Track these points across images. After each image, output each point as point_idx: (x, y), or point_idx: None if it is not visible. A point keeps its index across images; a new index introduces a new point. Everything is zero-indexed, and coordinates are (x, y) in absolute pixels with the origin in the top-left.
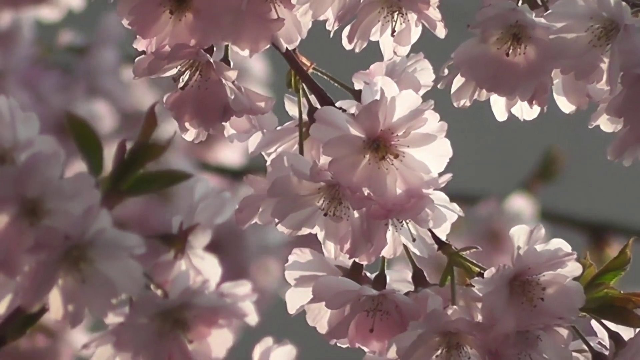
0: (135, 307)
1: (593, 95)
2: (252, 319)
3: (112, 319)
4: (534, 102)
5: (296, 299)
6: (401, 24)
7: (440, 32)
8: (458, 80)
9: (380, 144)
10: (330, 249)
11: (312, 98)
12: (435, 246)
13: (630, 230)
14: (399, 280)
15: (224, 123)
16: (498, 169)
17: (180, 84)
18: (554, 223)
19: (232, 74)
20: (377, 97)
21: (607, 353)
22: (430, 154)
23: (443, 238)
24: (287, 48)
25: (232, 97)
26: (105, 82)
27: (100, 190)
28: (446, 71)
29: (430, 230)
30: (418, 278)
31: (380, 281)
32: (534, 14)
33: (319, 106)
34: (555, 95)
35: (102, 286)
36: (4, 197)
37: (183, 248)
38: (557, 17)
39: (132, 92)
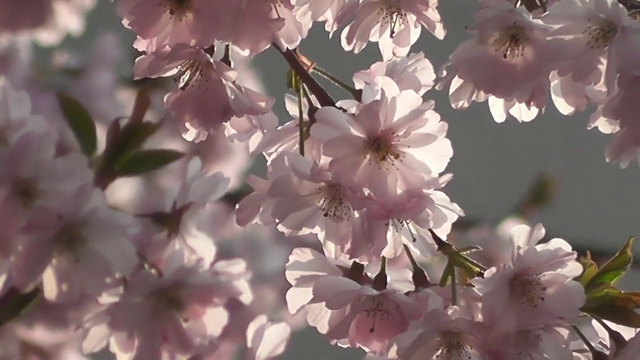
0: (129, 286)
1: (591, 97)
2: (246, 297)
3: (107, 299)
4: (531, 103)
5: (297, 299)
6: (400, 24)
7: (439, 33)
8: (456, 82)
9: (380, 144)
10: (330, 249)
11: (313, 98)
12: (436, 246)
13: None
14: (400, 280)
15: (224, 123)
16: (491, 195)
17: (181, 84)
18: None
19: (233, 74)
20: (378, 97)
21: (607, 353)
22: (431, 154)
23: (443, 238)
24: (287, 48)
25: (233, 97)
26: (100, 104)
27: (93, 170)
28: (444, 72)
29: (430, 230)
30: (418, 278)
31: (380, 281)
32: (531, 16)
33: (319, 106)
34: (553, 97)
35: (96, 265)
36: None
37: (177, 227)
38: (554, 19)
39: (128, 114)
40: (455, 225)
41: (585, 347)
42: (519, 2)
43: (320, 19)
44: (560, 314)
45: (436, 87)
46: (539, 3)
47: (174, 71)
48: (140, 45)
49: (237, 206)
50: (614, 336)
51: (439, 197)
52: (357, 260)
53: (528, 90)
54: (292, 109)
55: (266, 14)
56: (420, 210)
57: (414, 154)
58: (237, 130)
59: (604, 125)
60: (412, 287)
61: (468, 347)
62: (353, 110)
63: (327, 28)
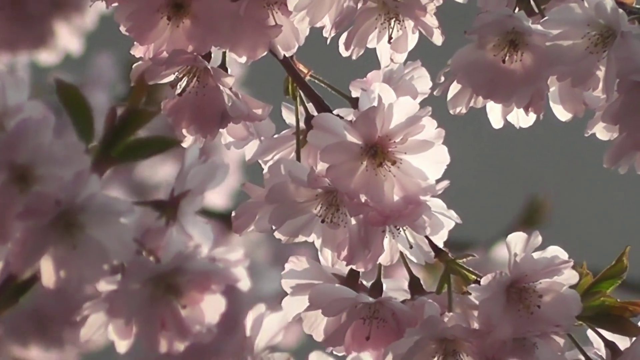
0: (127, 272)
1: (589, 103)
2: (244, 284)
3: (105, 286)
4: (530, 109)
5: (293, 307)
6: (398, 30)
7: (437, 39)
8: (454, 87)
9: (377, 151)
10: (327, 256)
11: (309, 106)
12: (432, 253)
13: None
14: (396, 288)
15: (221, 130)
16: (483, 217)
17: (178, 90)
18: None
19: (230, 81)
20: (375, 103)
21: None
22: (428, 160)
23: (440, 245)
24: (284, 55)
25: (230, 103)
26: (96, 125)
27: (90, 156)
28: (442, 78)
29: (427, 237)
30: (414, 286)
31: (376, 289)
32: (530, 21)
33: (316, 114)
34: (551, 104)
35: (93, 252)
36: None
37: (175, 214)
38: (553, 24)
39: None
40: (449, 248)
41: (581, 356)
42: (517, 8)
43: (318, 25)
44: (557, 321)
45: (434, 93)
46: (537, 9)
47: (171, 77)
48: (138, 51)
49: (233, 213)
50: (609, 345)
51: (436, 204)
52: (354, 267)
53: (527, 95)
54: (288, 117)
55: (263, 21)
56: (417, 217)
57: (410, 160)
58: (233, 138)
59: (601, 132)
60: (408, 296)
61: (464, 354)
62: (350, 117)
63: (325, 34)
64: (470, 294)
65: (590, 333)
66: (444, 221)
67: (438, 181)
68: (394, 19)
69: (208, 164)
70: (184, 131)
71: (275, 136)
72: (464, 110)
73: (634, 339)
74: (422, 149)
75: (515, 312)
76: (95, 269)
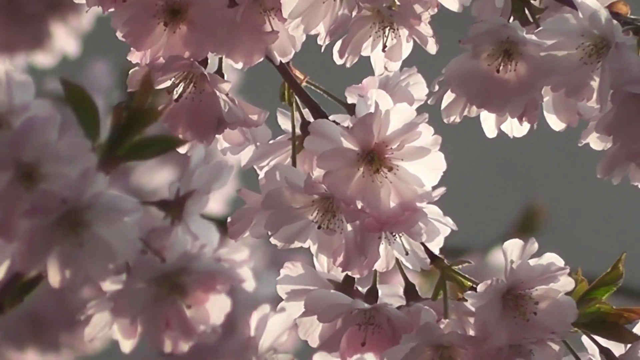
0: (132, 271)
1: (583, 113)
2: (249, 284)
3: (110, 286)
4: (524, 118)
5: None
6: (392, 39)
7: (431, 48)
8: (448, 96)
9: (374, 157)
10: (323, 262)
11: (305, 112)
12: (428, 260)
13: None
14: (391, 294)
15: (217, 136)
16: (480, 222)
17: (175, 96)
18: None
19: (226, 86)
20: (372, 109)
21: None
22: (424, 167)
23: (436, 252)
24: (280, 61)
25: (226, 109)
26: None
27: (96, 155)
28: (437, 87)
29: (423, 243)
30: (410, 292)
31: (372, 295)
32: (525, 31)
33: (312, 119)
34: (545, 114)
35: (99, 250)
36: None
37: (180, 214)
38: (548, 34)
39: None
40: (445, 253)
41: None
42: (512, 17)
43: (313, 32)
44: (553, 328)
45: (428, 102)
46: (532, 19)
47: (168, 83)
48: (134, 57)
49: (229, 219)
50: (605, 352)
51: (432, 211)
52: (349, 273)
53: (520, 105)
54: (284, 122)
55: (260, 27)
56: (414, 224)
57: (407, 167)
58: (229, 144)
59: (595, 142)
60: (403, 302)
61: None
62: (346, 124)
63: (320, 42)
64: (466, 300)
65: (585, 339)
66: (440, 228)
67: (434, 188)
68: (388, 28)
69: (213, 165)
70: (180, 137)
71: (271, 142)
72: (457, 119)
73: (629, 345)
74: (419, 155)
75: (512, 319)
76: (101, 268)
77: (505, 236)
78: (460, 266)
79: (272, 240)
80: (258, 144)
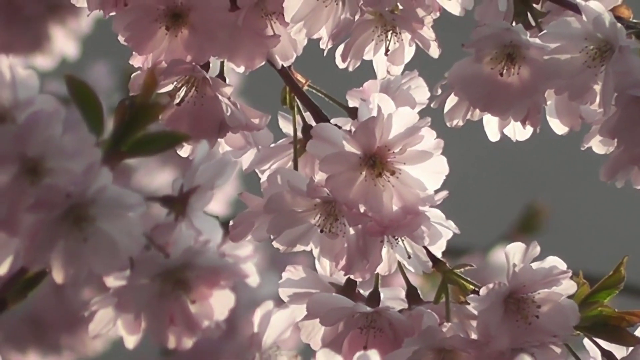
0: (136, 267)
1: (586, 117)
2: (254, 280)
3: (113, 282)
4: (526, 122)
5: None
6: (395, 43)
7: (434, 52)
8: (451, 100)
9: (376, 161)
10: (325, 265)
11: (306, 115)
12: (430, 263)
13: None
14: (393, 297)
15: (219, 139)
16: (481, 223)
17: (177, 100)
18: None
19: (228, 90)
20: (374, 113)
21: None
22: (427, 171)
23: (438, 255)
24: (282, 65)
25: (228, 113)
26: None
27: (101, 150)
28: (439, 90)
29: (425, 247)
30: (412, 295)
31: (374, 298)
32: (528, 34)
33: (313, 123)
34: (548, 117)
35: (104, 245)
36: (4, 156)
37: (184, 210)
38: (551, 38)
39: None
40: (446, 254)
41: None
42: (515, 21)
43: (315, 36)
44: (555, 332)
45: (431, 105)
46: (535, 22)
47: (170, 87)
48: (136, 61)
49: (231, 222)
50: (607, 355)
51: (435, 214)
52: (352, 276)
53: (523, 109)
54: (285, 126)
55: (261, 31)
56: (416, 227)
57: (409, 170)
58: (231, 147)
59: (598, 146)
60: (405, 305)
61: None
62: (347, 127)
63: (322, 46)
64: (468, 303)
65: (587, 342)
66: (442, 231)
67: (437, 191)
68: (390, 32)
69: (217, 160)
70: None
71: (272, 145)
72: (460, 123)
73: (630, 348)
74: (421, 159)
75: (514, 322)
76: (106, 263)
77: (507, 236)
78: (462, 269)
79: (275, 244)
80: (260, 147)
